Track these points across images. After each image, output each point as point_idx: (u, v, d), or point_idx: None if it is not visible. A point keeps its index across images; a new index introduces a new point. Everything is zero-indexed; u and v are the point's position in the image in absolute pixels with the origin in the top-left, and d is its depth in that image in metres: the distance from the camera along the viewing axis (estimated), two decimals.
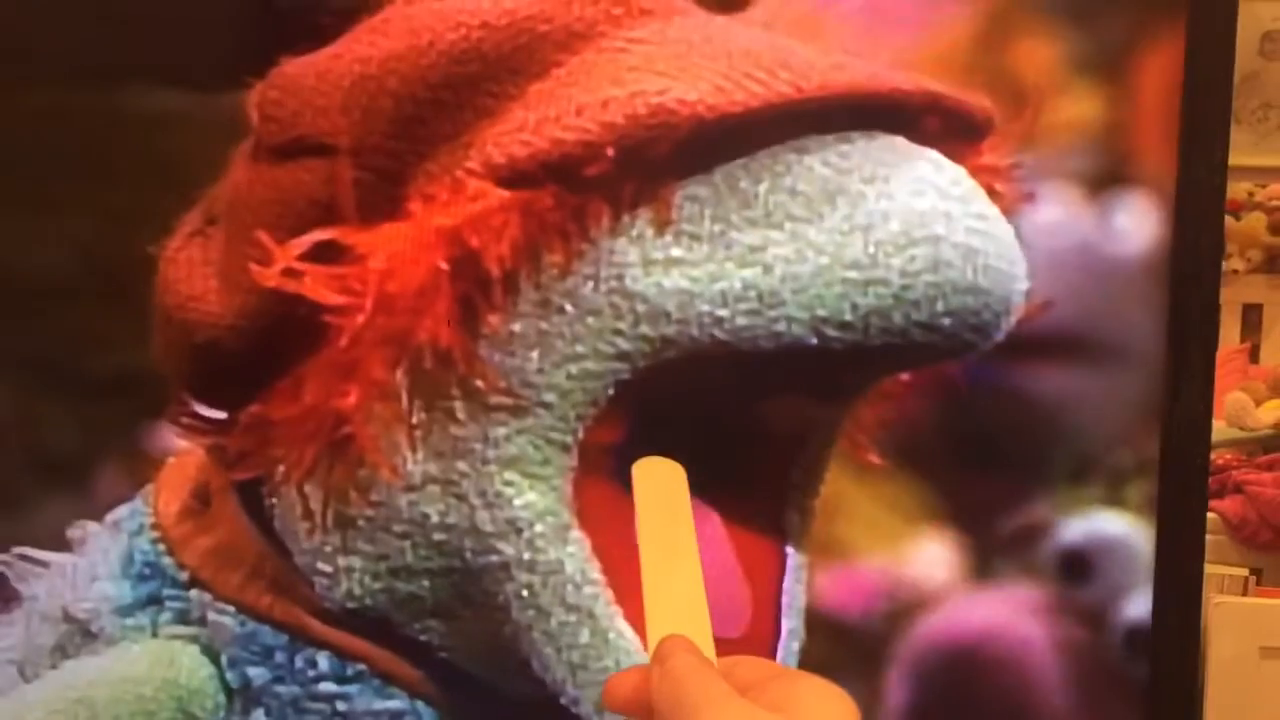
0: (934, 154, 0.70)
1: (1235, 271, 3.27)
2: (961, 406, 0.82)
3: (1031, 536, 0.90)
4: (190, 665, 0.76)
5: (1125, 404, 0.92)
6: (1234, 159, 0.90)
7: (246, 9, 0.87)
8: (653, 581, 0.57)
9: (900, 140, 0.70)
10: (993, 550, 0.91)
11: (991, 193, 0.71)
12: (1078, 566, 0.89)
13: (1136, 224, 0.88)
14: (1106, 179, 0.89)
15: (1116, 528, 0.89)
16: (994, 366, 0.83)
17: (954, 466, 0.91)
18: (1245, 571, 2.03)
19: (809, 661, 0.79)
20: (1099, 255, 0.88)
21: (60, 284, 0.89)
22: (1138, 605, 0.88)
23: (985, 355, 0.73)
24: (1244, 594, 1.95)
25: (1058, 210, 0.87)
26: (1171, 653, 0.91)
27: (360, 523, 0.73)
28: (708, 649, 0.54)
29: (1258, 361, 3.37)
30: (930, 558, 0.91)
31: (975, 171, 0.72)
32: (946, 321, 0.67)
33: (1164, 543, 0.89)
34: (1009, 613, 0.89)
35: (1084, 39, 0.89)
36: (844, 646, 0.91)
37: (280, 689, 0.75)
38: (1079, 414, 0.93)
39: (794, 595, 0.78)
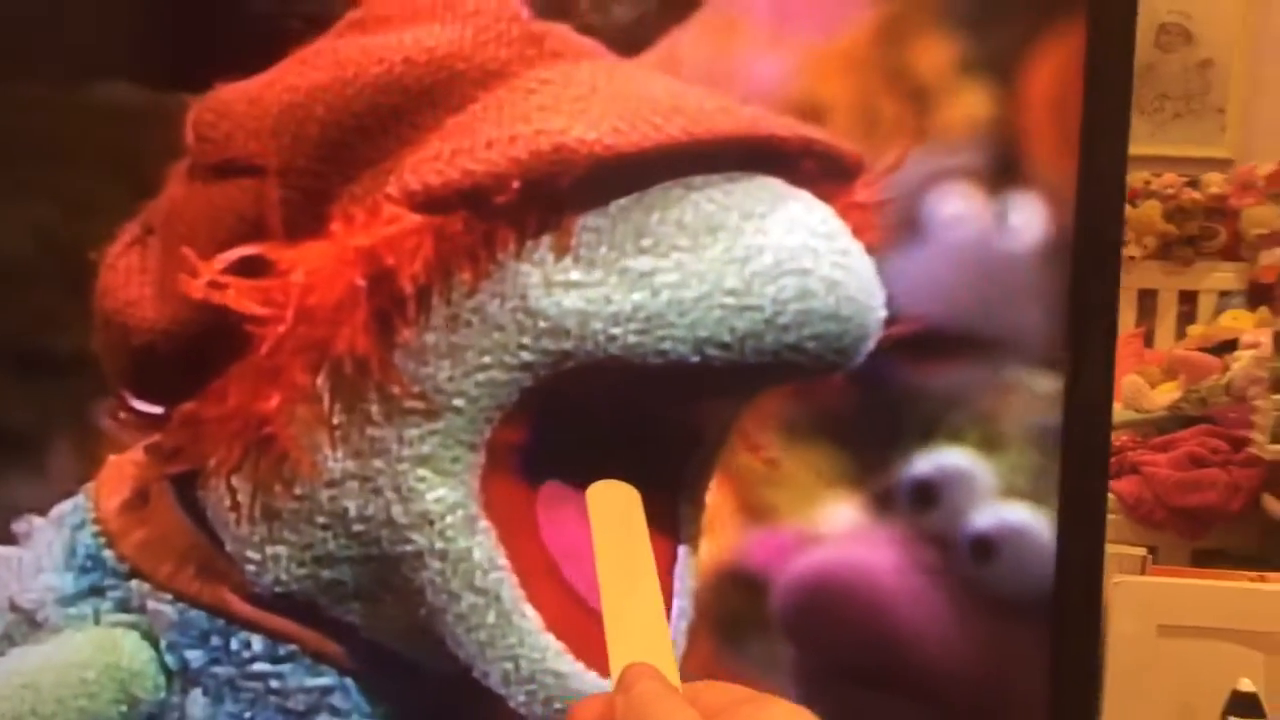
0: (806, 195, 0.77)
1: (1131, 258, 3.30)
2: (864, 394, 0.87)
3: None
4: (131, 650, 0.80)
5: (1017, 395, 0.97)
6: (1130, 148, 0.92)
7: (208, 13, 0.90)
8: (613, 607, 0.57)
9: (778, 182, 0.77)
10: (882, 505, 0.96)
11: (861, 228, 0.78)
12: (926, 495, 0.94)
13: (1030, 221, 0.91)
14: (1002, 177, 0.91)
15: (959, 459, 0.94)
16: (893, 361, 0.87)
17: (861, 439, 0.96)
18: (1143, 551, 2.06)
19: (735, 619, 0.85)
20: (995, 251, 0.91)
21: (19, 268, 0.91)
22: (981, 518, 0.93)
23: (888, 352, 0.79)
24: (1142, 573, 1.96)
25: (956, 206, 0.91)
26: (1073, 632, 0.94)
27: (285, 514, 0.78)
28: (672, 675, 0.54)
29: (1152, 345, 3.44)
30: (840, 517, 0.96)
31: (846, 209, 0.79)
32: (812, 345, 0.74)
33: (1066, 524, 0.92)
34: (860, 545, 0.94)
35: (979, 40, 0.91)
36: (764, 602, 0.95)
37: (217, 670, 0.80)
38: (973, 403, 0.97)
39: (684, 580, 0.83)
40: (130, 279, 0.80)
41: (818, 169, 0.79)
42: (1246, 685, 1.36)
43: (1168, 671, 1.66)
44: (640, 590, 0.58)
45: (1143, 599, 1.73)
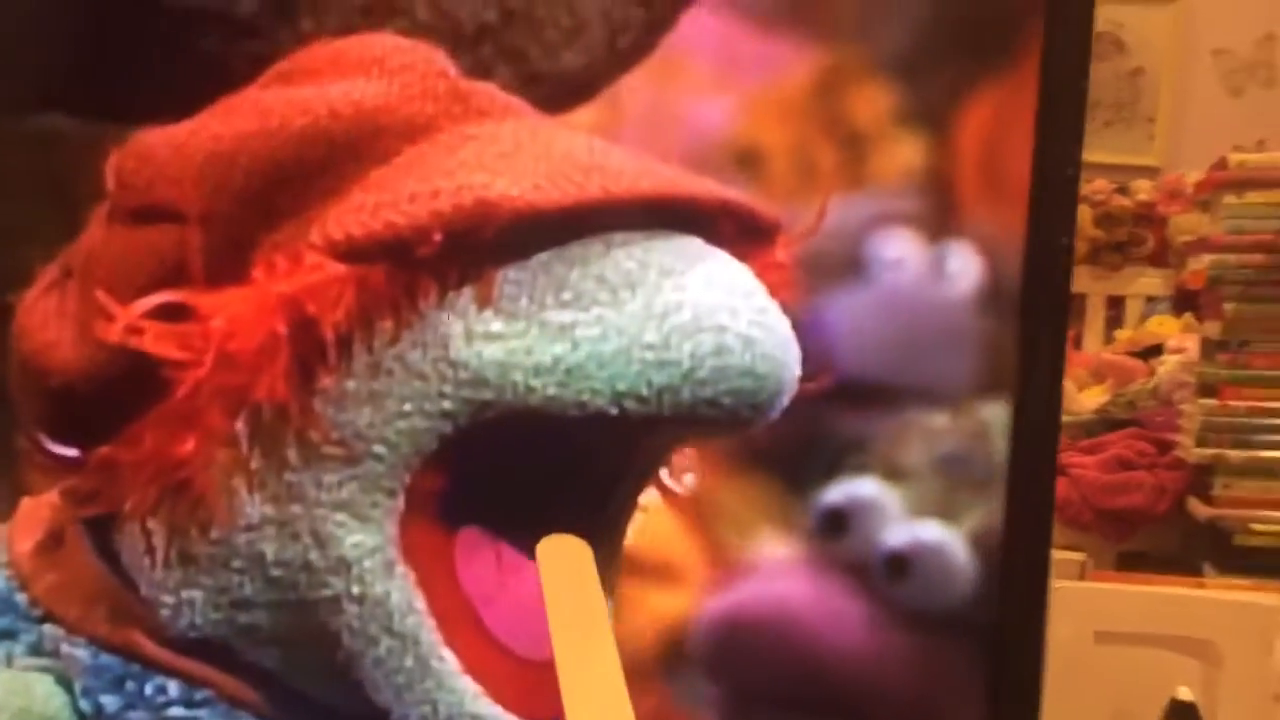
0: (724, 255, 0.79)
1: None
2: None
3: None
4: (44, 694, 0.80)
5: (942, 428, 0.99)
6: None
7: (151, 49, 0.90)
8: (568, 668, 0.57)
9: (696, 241, 0.79)
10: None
11: (778, 287, 0.80)
12: (837, 523, 0.96)
13: (965, 268, 0.94)
14: (935, 223, 0.94)
15: (868, 489, 0.96)
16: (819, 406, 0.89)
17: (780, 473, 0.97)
18: (1082, 556, 2.06)
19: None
20: (932, 297, 0.95)
21: None
22: (893, 536, 0.96)
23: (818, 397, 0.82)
24: (1080, 578, 2.00)
25: (892, 251, 0.93)
26: (1015, 639, 0.97)
27: (201, 559, 0.78)
28: None
29: (1080, 349, 3.47)
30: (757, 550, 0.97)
31: (764, 269, 0.81)
32: (727, 400, 0.76)
33: (1012, 530, 0.96)
34: (771, 578, 0.96)
35: (914, 90, 0.94)
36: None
37: (132, 715, 0.80)
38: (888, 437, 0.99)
39: None
40: (48, 321, 0.80)
41: (735, 229, 0.81)
42: (1185, 694, 1.37)
43: (1104, 679, 1.67)
44: (595, 647, 0.58)
45: (1080, 605, 1.75)
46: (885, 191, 0.93)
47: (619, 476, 0.85)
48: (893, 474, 0.95)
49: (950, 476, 0.97)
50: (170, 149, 0.77)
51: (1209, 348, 2.15)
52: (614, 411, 0.75)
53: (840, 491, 0.95)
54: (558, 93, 0.87)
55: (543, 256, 0.75)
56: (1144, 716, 1.44)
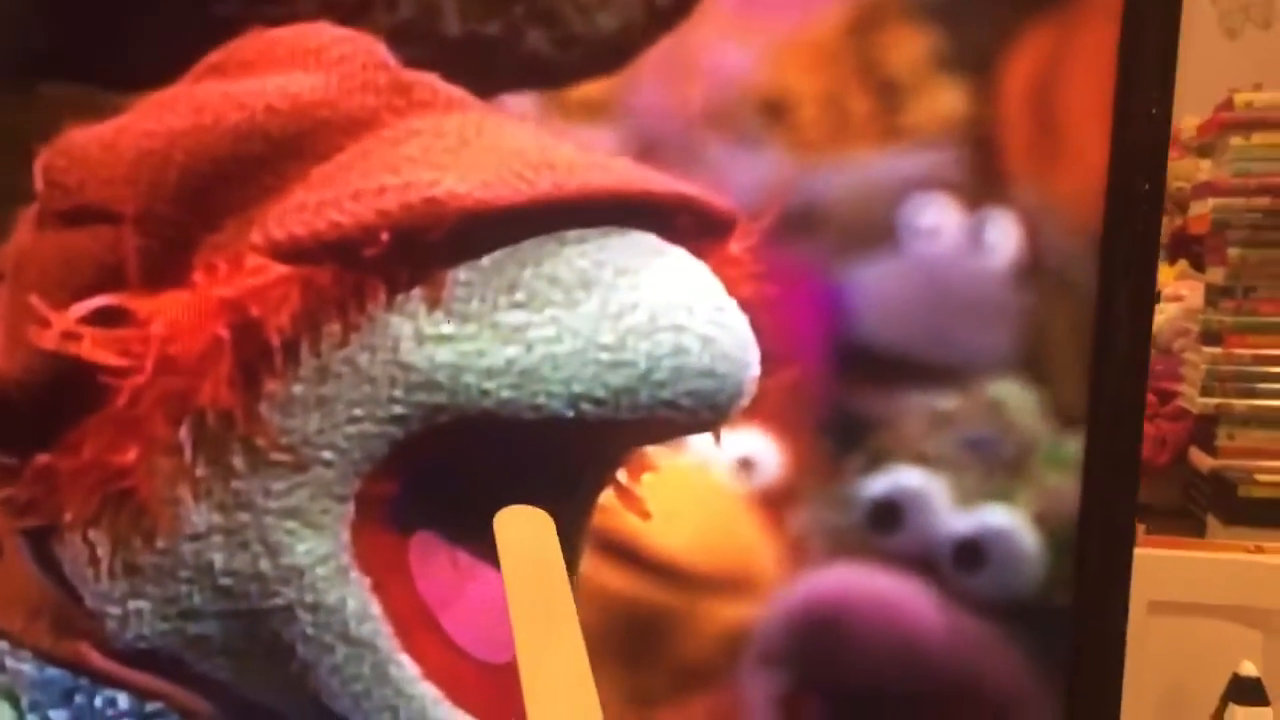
0: (681, 252, 0.77)
1: None
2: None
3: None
4: None
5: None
6: None
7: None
8: (529, 653, 0.54)
9: (652, 238, 0.77)
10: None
11: (735, 282, 0.79)
12: (890, 516, 0.93)
13: (1003, 237, 0.89)
14: (975, 184, 0.89)
15: (914, 479, 0.93)
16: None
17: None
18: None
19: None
20: (968, 268, 0.90)
21: None
22: (958, 524, 0.93)
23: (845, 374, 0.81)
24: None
25: (927, 219, 0.89)
26: (1095, 624, 0.94)
27: (147, 569, 0.76)
28: None
29: None
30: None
31: (721, 264, 0.79)
32: (686, 400, 0.74)
33: (1091, 510, 0.92)
34: (857, 575, 0.94)
35: (953, 34, 0.88)
36: None
37: None
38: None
39: None
40: None
41: (692, 224, 0.79)
42: (1249, 669, 1.29)
43: (1159, 652, 1.57)
44: (558, 628, 0.55)
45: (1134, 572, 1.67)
46: (923, 144, 0.88)
47: (577, 478, 0.84)
48: (928, 460, 0.93)
49: (983, 460, 0.94)
50: (100, 147, 0.74)
51: (1213, 294, 2.11)
52: (570, 414, 0.73)
53: (885, 483, 0.92)
54: (593, 56, 0.84)
55: (494, 256, 0.73)
56: (1203, 693, 1.35)
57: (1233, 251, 2.12)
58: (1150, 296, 0.93)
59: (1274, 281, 2.19)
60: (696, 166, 0.86)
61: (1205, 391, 2.35)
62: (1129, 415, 0.93)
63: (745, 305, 0.78)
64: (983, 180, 0.88)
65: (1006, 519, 0.93)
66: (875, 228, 0.88)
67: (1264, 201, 2.15)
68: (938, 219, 0.89)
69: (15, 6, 0.86)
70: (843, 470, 0.92)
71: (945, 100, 0.87)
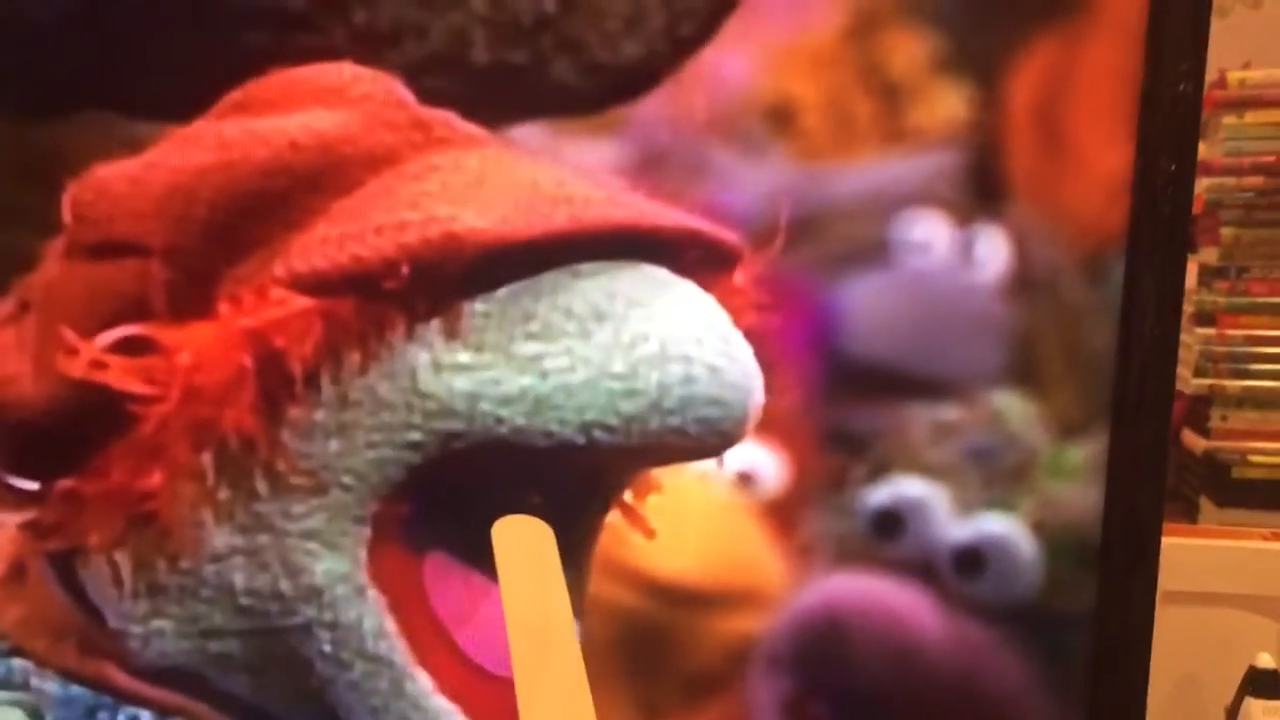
0: (690, 285, 0.80)
1: None
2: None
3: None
4: None
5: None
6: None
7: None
8: (524, 659, 0.55)
9: (663, 271, 0.80)
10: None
11: (741, 311, 0.82)
12: (892, 525, 0.95)
13: (990, 252, 0.91)
14: (971, 199, 0.90)
15: (915, 488, 0.95)
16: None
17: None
18: None
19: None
20: (958, 282, 0.93)
21: None
22: (957, 532, 0.95)
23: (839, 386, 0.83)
24: None
25: (918, 234, 0.91)
26: (1121, 591, 0.95)
27: (170, 589, 0.78)
28: None
29: None
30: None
31: (727, 294, 0.82)
32: (694, 427, 0.77)
33: (1117, 511, 0.94)
34: (859, 582, 0.96)
35: (954, 38, 0.89)
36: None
37: None
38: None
39: None
40: (7, 355, 0.79)
41: (700, 258, 0.82)
42: (1266, 661, 1.28)
43: (1172, 644, 1.54)
44: (554, 639, 0.56)
45: None
46: (925, 149, 0.89)
47: (586, 501, 0.86)
48: (929, 470, 0.94)
49: (983, 469, 0.96)
50: (128, 183, 0.76)
51: (1206, 275, 2.11)
52: (581, 441, 0.76)
53: (886, 493, 0.94)
54: (618, 83, 0.85)
55: (511, 288, 0.76)
56: (1218, 685, 1.35)
57: (1226, 231, 2.12)
58: (1179, 286, 0.93)
59: (1268, 262, 2.19)
60: (702, 176, 0.88)
61: (1198, 372, 2.35)
62: (1157, 404, 0.94)
63: (749, 333, 0.81)
64: (984, 186, 0.89)
65: (1006, 526, 0.95)
66: (871, 242, 0.90)
67: (1257, 181, 2.14)
68: (929, 233, 0.90)
69: (48, 39, 0.87)
70: (844, 481, 0.93)
71: (949, 105, 0.89)
